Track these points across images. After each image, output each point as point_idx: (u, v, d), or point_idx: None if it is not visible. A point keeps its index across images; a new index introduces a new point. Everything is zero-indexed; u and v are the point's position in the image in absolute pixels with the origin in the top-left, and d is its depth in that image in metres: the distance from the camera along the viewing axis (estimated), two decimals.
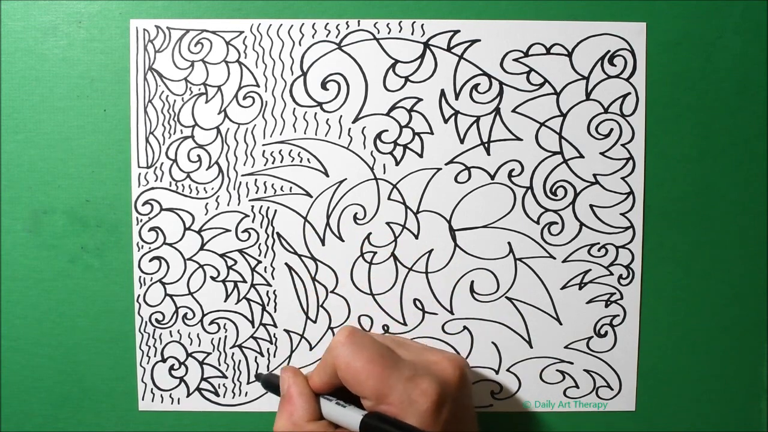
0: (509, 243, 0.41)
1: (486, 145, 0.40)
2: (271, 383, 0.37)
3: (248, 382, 0.41)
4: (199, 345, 0.41)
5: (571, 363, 0.41)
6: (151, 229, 0.40)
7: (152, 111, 0.40)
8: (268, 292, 0.41)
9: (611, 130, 0.40)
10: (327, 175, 0.40)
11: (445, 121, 0.40)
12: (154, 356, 0.41)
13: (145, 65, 0.40)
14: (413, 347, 0.35)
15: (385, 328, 0.41)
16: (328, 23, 0.39)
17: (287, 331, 0.41)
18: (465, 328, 0.41)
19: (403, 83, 0.40)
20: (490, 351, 0.41)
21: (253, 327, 0.41)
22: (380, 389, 0.31)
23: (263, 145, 0.40)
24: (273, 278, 0.41)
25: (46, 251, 0.40)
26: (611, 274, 0.41)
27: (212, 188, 0.40)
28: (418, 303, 0.41)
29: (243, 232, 0.40)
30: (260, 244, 0.40)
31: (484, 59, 0.40)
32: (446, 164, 0.40)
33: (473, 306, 0.41)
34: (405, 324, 0.41)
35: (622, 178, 0.40)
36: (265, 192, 0.40)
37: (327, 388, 0.34)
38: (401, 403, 0.30)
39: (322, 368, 0.34)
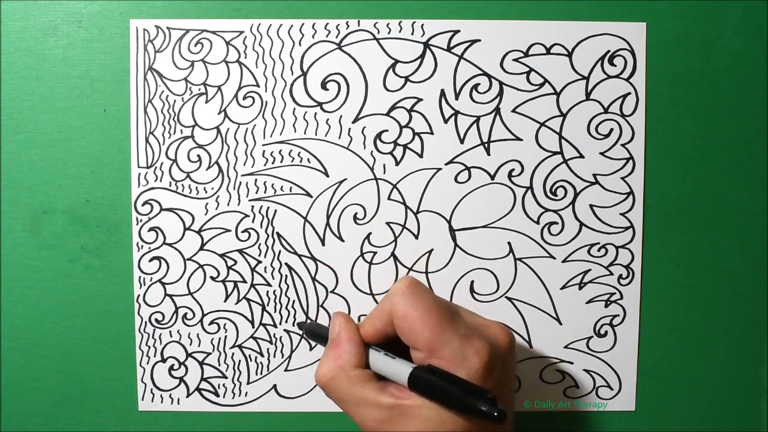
0: (509, 243, 0.41)
1: (486, 145, 0.40)
2: (314, 332, 0.37)
3: (248, 382, 0.41)
4: (199, 345, 0.41)
5: (571, 363, 0.41)
6: (151, 229, 0.40)
7: (152, 111, 0.40)
8: (268, 292, 0.41)
9: (611, 130, 0.40)
10: (327, 175, 0.40)
11: (445, 121, 0.40)
12: (154, 356, 0.41)
13: (145, 65, 0.40)
14: (464, 310, 0.34)
15: None
16: (328, 23, 0.39)
17: (287, 331, 0.41)
18: None
19: (403, 83, 0.40)
20: None
21: (253, 327, 0.41)
22: (434, 342, 0.30)
23: (263, 145, 0.40)
24: (273, 278, 0.41)
25: (46, 251, 0.40)
26: (611, 274, 0.41)
27: (212, 188, 0.40)
28: None
29: (243, 232, 0.40)
30: (260, 244, 0.40)
31: (484, 59, 0.40)
32: (446, 164, 0.40)
33: (473, 306, 0.41)
34: None
35: (622, 178, 0.40)
36: (265, 192, 0.40)
37: (377, 338, 0.33)
38: (453, 359, 0.29)
39: (376, 316, 0.33)
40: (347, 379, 0.32)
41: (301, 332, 0.41)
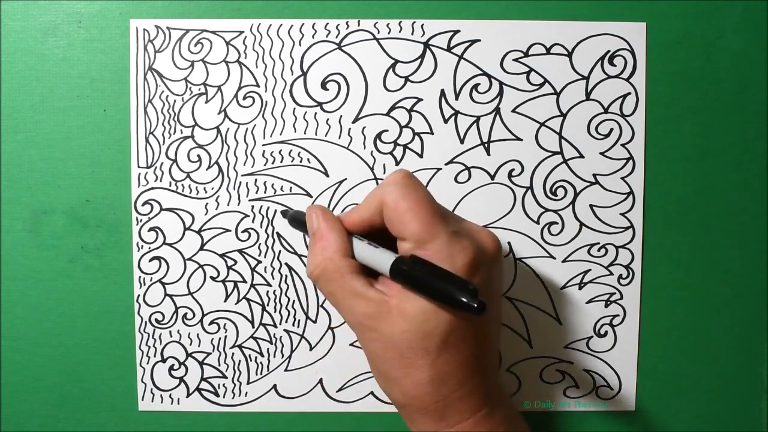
0: (509, 243, 0.41)
1: (486, 145, 0.40)
2: (298, 220, 0.36)
3: (248, 382, 0.41)
4: (199, 345, 0.41)
5: (571, 363, 0.41)
6: (151, 229, 0.40)
7: (152, 111, 0.40)
8: (268, 292, 0.41)
9: (611, 130, 0.40)
10: (327, 175, 0.40)
11: (445, 121, 0.40)
12: (154, 356, 0.41)
13: (145, 65, 0.40)
14: (455, 214, 0.33)
15: None
16: (328, 23, 0.39)
17: (287, 331, 0.41)
18: None
19: (403, 83, 0.40)
20: None
21: (253, 327, 0.41)
22: (422, 234, 0.29)
23: (263, 145, 0.40)
24: (273, 278, 0.41)
25: (46, 251, 0.40)
26: (611, 274, 0.41)
27: (212, 188, 0.40)
28: None
29: (243, 232, 0.40)
30: (260, 244, 0.40)
31: (484, 59, 0.40)
32: (446, 164, 0.40)
33: None
34: None
35: (622, 178, 0.40)
36: (265, 192, 0.40)
37: (362, 227, 0.32)
38: (439, 253, 0.29)
39: (365, 204, 0.32)
40: (336, 269, 0.31)
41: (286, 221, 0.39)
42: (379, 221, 0.32)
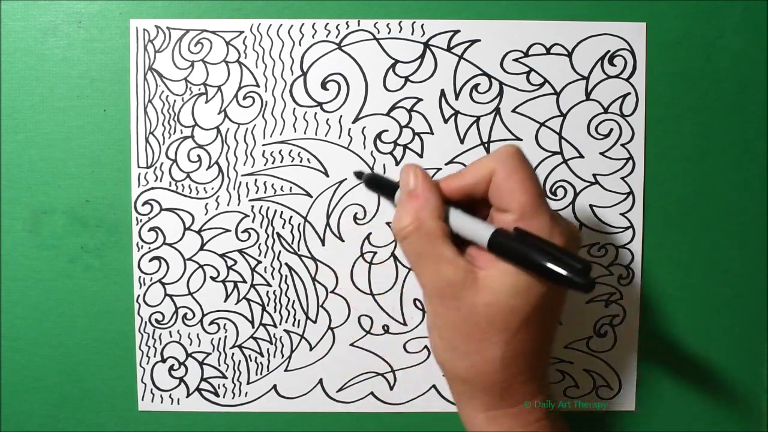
0: None
1: (486, 145, 0.40)
2: (377, 182, 0.35)
3: (248, 383, 0.41)
4: (199, 345, 0.41)
5: (571, 363, 0.41)
6: (151, 229, 0.40)
7: (152, 111, 0.40)
8: (268, 292, 0.41)
9: (611, 130, 0.40)
10: (327, 175, 0.40)
11: (445, 121, 0.40)
12: (154, 356, 0.41)
13: (145, 65, 0.40)
14: None
15: (385, 328, 0.41)
16: (328, 23, 0.39)
17: (287, 332, 0.41)
18: None
19: (403, 83, 0.40)
20: None
21: (253, 327, 0.41)
22: (530, 208, 0.29)
23: (263, 145, 0.40)
24: (273, 278, 0.41)
25: (46, 251, 0.40)
26: (611, 274, 0.41)
27: (212, 188, 0.40)
28: (418, 303, 0.41)
29: (243, 232, 0.40)
30: (260, 244, 0.40)
31: (484, 59, 0.40)
32: (446, 164, 0.40)
33: None
34: (405, 324, 0.41)
35: (622, 178, 0.40)
36: (265, 192, 0.40)
37: (458, 195, 0.31)
38: (542, 230, 0.28)
39: (470, 172, 0.31)
40: (430, 231, 0.30)
41: (359, 181, 0.38)
42: (480, 190, 0.31)
